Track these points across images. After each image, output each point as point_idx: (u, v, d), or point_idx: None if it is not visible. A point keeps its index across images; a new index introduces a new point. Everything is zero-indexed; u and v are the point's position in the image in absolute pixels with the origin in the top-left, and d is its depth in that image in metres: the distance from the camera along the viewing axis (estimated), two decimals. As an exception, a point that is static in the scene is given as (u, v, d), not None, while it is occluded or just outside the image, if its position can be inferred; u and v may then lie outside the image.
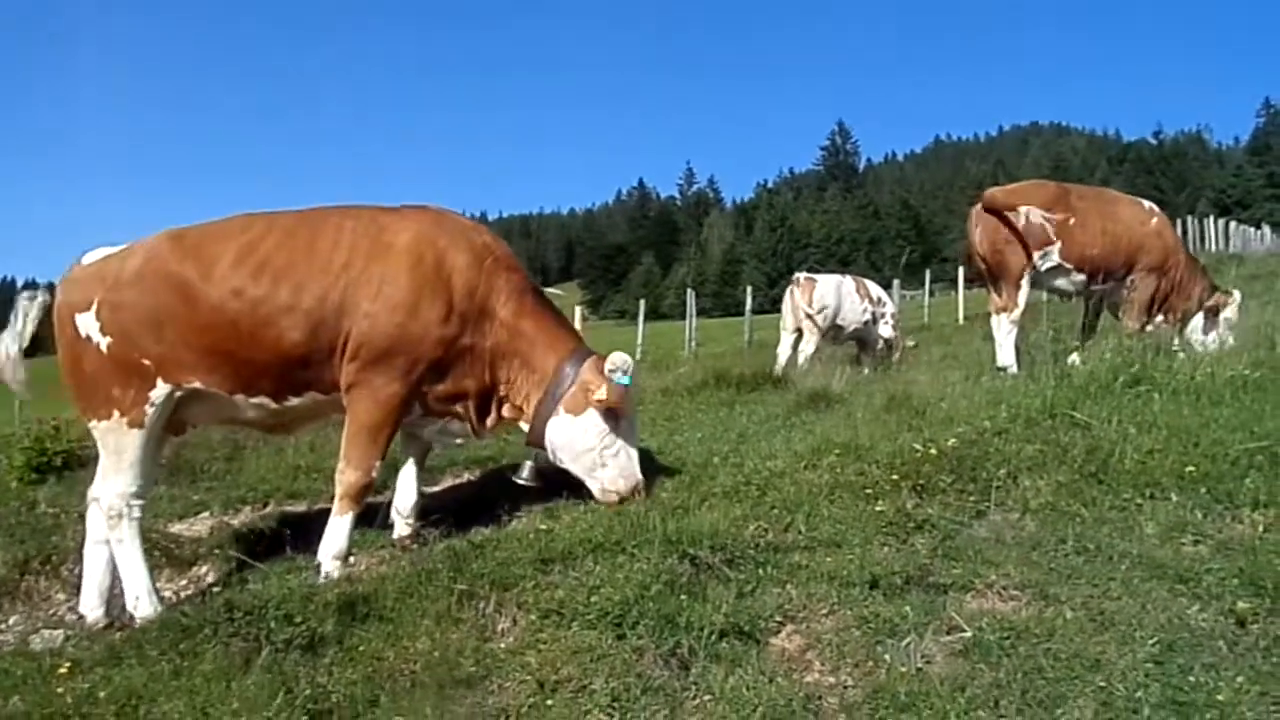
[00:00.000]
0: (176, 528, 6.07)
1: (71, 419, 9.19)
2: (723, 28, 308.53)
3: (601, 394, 4.99)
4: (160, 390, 4.80)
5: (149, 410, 4.80)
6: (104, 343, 4.76)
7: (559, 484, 5.36)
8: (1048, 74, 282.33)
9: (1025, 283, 8.53)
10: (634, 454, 5.20)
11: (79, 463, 8.20)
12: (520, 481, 5.39)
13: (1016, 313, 8.54)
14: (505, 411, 5.27)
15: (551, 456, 5.23)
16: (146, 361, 4.76)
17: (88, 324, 4.79)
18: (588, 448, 5.09)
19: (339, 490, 4.89)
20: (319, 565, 4.85)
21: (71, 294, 4.87)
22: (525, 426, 5.27)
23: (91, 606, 4.84)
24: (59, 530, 5.79)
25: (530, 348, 5.14)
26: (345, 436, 4.90)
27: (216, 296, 4.73)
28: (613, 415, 5.09)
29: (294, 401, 4.95)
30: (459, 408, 5.15)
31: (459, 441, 5.50)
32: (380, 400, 4.83)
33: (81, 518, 5.90)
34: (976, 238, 8.79)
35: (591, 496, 5.11)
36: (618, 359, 5.13)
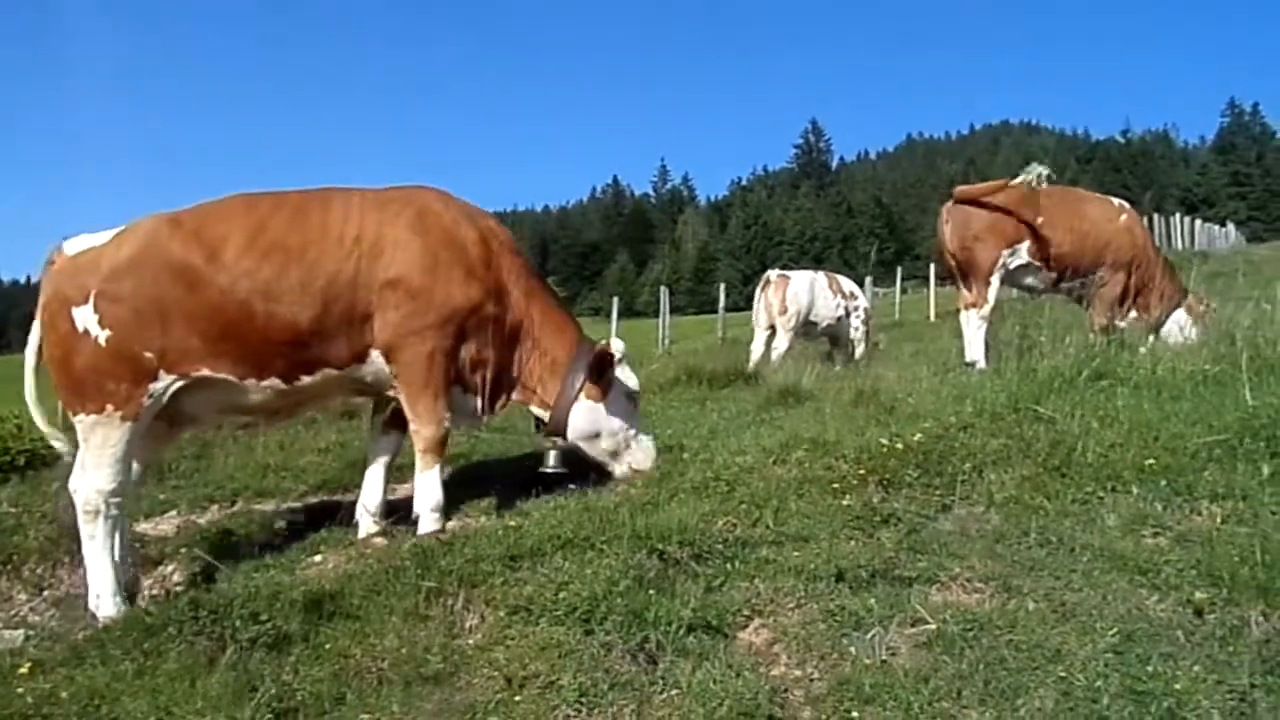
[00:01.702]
0: (143, 526, 5.99)
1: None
2: (696, 25, 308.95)
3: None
4: (162, 382, 4.74)
5: (146, 403, 4.73)
6: (102, 336, 4.67)
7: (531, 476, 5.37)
8: (1018, 73, 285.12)
9: (995, 279, 8.64)
10: (647, 434, 5.52)
11: (42, 462, 8.06)
12: (548, 471, 5.49)
13: (986, 308, 8.63)
14: (518, 394, 5.42)
15: (573, 442, 5.38)
16: (149, 354, 4.69)
17: (85, 317, 4.68)
18: (611, 431, 5.34)
19: (419, 447, 5.04)
20: (416, 518, 5.02)
21: (64, 286, 4.75)
22: (538, 411, 5.44)
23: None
24: (21, 530, 5.70)
25: (541, 331, 5.34)
26: (406, 400, 5.02)
27: (226, 279, 4.71)
28: (631, 399, 5.39)
29: (306, 381, 4.95)
30: (477, 378, 5.24)
31: (461, 421, 5.48)
32: (424, 356, 4.94)
33: (44, 517, 5.85)
34: (947, 234, 8.89)
35: (610, 478, 5.36)
36: (617, 346, 5.44)
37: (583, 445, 5.39)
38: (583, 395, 5.31)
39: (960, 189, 9.21)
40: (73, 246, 4.88)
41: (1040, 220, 8.65)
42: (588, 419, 5.33)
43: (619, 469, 5.40)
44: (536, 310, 5.35)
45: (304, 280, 4.76)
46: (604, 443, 5.38)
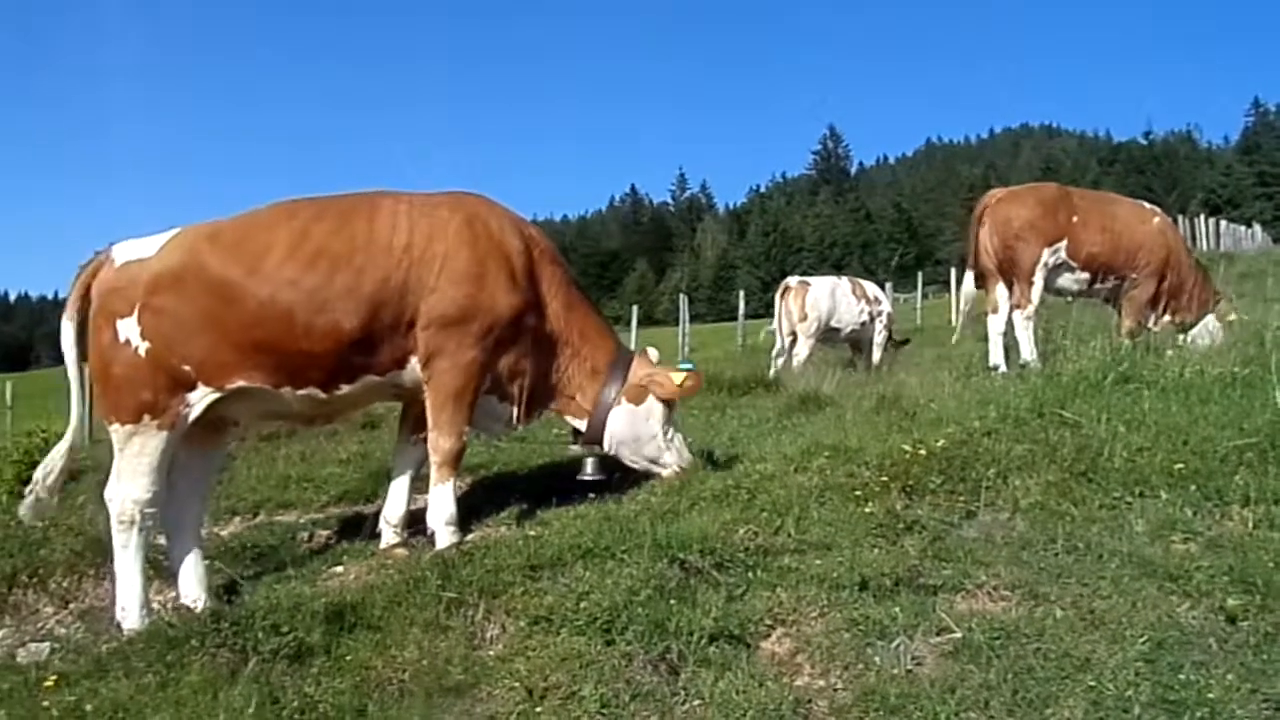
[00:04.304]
0: (164, 538, 6.03)
1: (61, 432, 9.19)
2: (712, 33, 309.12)
3: (677, 381, 5.37)
4: (200, 393, 4.77)
5: (184, 413, 4.76)
6: (142, 347, 4.71)
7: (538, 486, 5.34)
8: (1038, 75, 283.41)
9: (1038, 277, 8.65)
10: (681, 436, 5.60)
11: (69, 476, 8.16)
12: (587, 478, 5.51)
13: (1030, 308, 8.70)
14: (555, 404, 5.45)
15: (612, 449, 5.41)
16: (187, 367, 4.72)
17: (128, 329, 4.73)
18: (652, 435, 5.40)
19: (435, 459, 5.03)
20: (432, 534, 5.00)
21: (111, 299, 4.78)
22: (576, 423, 5.47)
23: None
24: (47, 544, 5.74)
25: (581, 340, 5.38)
26: (431, 408, 4.99)
27: (267, 291, 4.72)
28: (667, 404, 5.42)
29: (345, 389, 4.95)
30: (514, 387, 5.25)
31: (496, 428, 5.54)
32: (461, 366, 4.94)
33: (71, 530, 5.89)
34: (985, 235, 8.90)
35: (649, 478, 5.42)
36: (652, 354, 5.58)
37: (624, 450, 5.42)
38: (622, 400, 5.36)
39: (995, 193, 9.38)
40: (121, 254, 4.89)
41: (1075, 220, 8.68)
42: (628, 424, 5.36)
43: (660, 471, 5.43)
44: (576, 320, 5.39)
45: (350, 287, 4.76)
46: (646, 448, 5.41)
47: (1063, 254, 8.73)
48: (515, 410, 5.31)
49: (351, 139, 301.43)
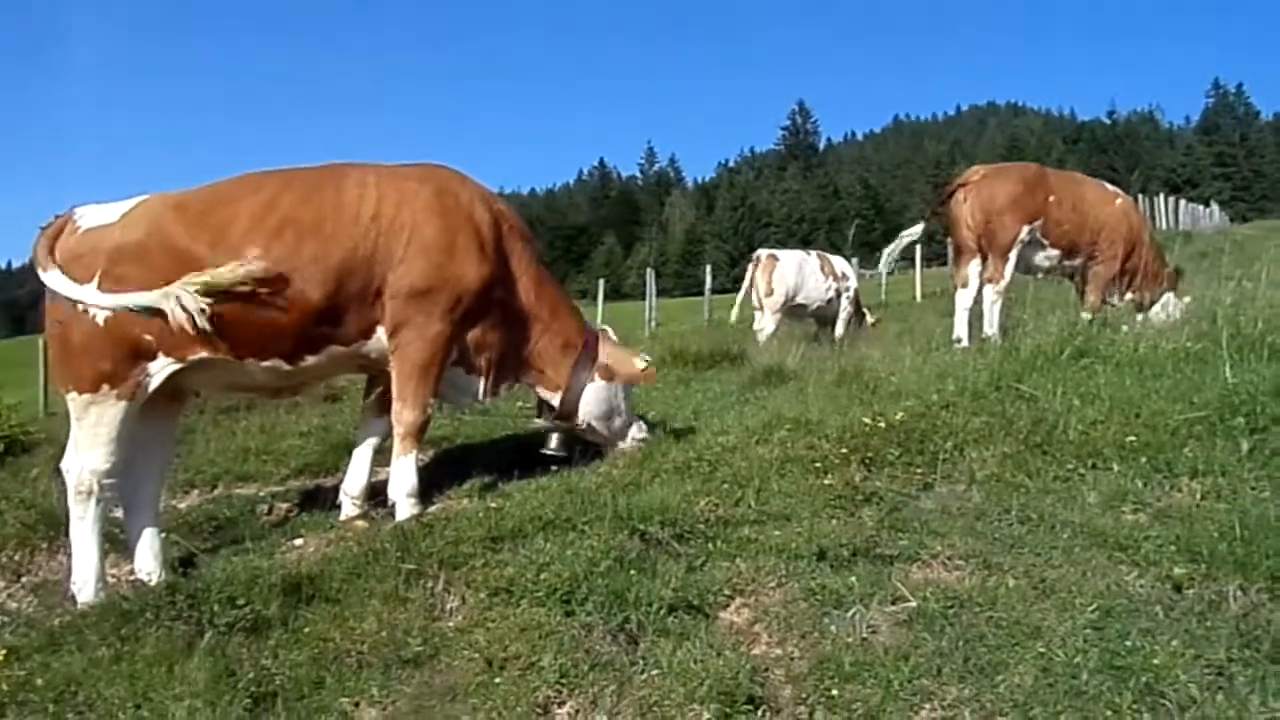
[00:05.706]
0: (121, 511, 5.95)
1: (13, 404, 9.03)
2: (682, 6, 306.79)
3: (639, 366, 5.58)
4: (161, 363, 4.68)
5: (144, 383, 4.68)
6: (102, 316, 4.60)
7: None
8: (1004, 54, 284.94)
9: (1013, 254, 8.82)
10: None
11: (21, 449, 8.05)
12: (550, 453, 5.58)
13: (1003, 284, 8.87)
14: (527, 377, 5.51)
15: (584, 423, 5.51)
16: (148, 336, 4.63)
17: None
18: (622, 411, 5.61)
19: (399, 430, 5.04)
20: (393, 505, 5.03)
21: (73, 268, 4.65)
22: (546, 394, 5.52)
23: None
24: (-3, 517, 5.64)
25: (552, 316, 5.44)
26: (397, 378, 4.99)
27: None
28: (630, 383, 5.63)
29: (310, 361, 4.90)
30: (482, 360, 5.27)
31: (464, 401, 5.60)
32: (428, 338, 4.94)
33: (23, 503, 5.80)
34: (968, 208, 9.01)
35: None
36: (611, 334, 5.85)
37: (597, 425, 5.54)
38: (595, 377, 5.45)
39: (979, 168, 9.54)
40: (84, 219, 4.76)
41: (1051, 199, 8.85)
42: (602, 400, 5.49)
43: (626, 445, 5.59)
44: (548, 295, 5.45)
45: (317, 256, 4.71)
46: (615, 422, 5.58)
47: (1038, 232, 8.93)
48: (483, 383, 5.33)
49: (312, 110, 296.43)
